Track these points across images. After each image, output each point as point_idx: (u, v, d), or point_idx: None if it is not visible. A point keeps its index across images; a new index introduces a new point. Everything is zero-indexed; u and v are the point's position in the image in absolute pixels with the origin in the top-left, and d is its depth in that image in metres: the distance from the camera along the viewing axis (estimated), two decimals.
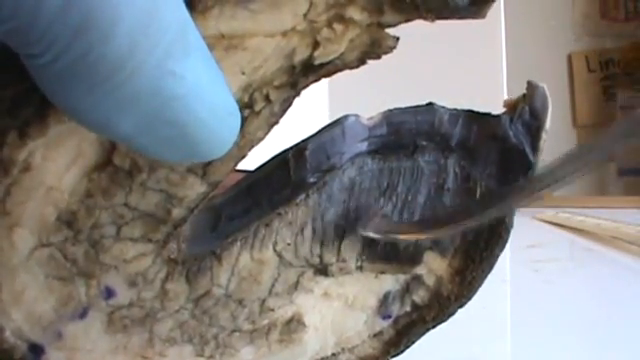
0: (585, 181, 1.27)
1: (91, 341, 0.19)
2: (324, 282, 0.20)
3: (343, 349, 0.21)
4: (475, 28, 0.78)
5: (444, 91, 0.77)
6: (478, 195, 0.20)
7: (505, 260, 0.56)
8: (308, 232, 0.20)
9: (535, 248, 0.59)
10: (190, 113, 0.14)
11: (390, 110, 0.21)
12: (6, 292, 0.18)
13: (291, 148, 0.20)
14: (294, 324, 0.20)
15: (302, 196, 0.19)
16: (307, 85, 0.18)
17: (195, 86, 0.14)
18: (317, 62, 0.16)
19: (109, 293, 0.19)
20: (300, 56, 0.16)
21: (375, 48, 0.17)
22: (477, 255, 0.20)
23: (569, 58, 1.21)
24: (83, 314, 0.19)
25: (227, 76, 0.15)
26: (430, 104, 0.21)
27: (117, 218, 0.18)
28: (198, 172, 0.18)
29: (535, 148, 0.20)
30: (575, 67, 1.21)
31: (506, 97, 0.79)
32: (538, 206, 0.78)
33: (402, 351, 0.21)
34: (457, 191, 0.20)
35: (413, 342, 0.21)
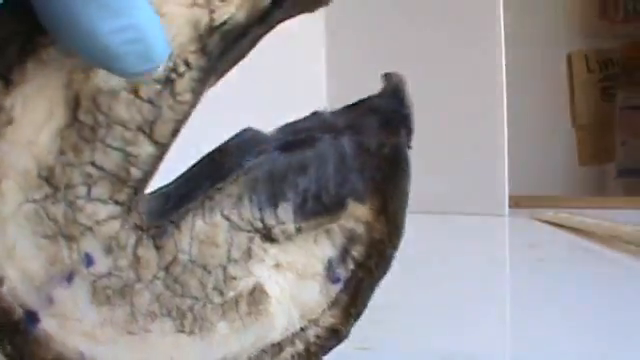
0: (585, 181, 1.27)
1: (80, 310, 0.20)
2: (272, 250, 0.22)
3: (309, 322, 0.23)
4: (474, 28, 0.78)
5: (444, 91, 0.77)
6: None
7: (505, 260, 0.56)
8: (246, 201, 0.22)
9: (535, 248, 0.59)
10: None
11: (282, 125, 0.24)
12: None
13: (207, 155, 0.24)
14: (257, 293, 0.22)
15: (234, 175, 0.22)
16: (220, 50, 0.20)
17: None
18: (215, 24, 0.19)
19: (89, 260, 0.20)
20: (203, 23, 0.20)
21: (255, 9, 0.20)
22: (389, 189, 0.23)
23: (568, 58, 1.21)
24: (70, 278, 0.20)
25: None
26: (314, 112, 0.24)
27: (86, 177, 0.20)
28: (146, 130, 0.20)
29: (405, 104, 0.23)
30: (574, 67, 1.21)
31: (505, 97, 0.79)
32: (538, 206, 0.78)
33: (361, 311, 0.23)
34: (355, 157, 0.23)
35: (369, 299, 0.23)
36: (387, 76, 0.24)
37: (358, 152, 0.23)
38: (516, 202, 0.76)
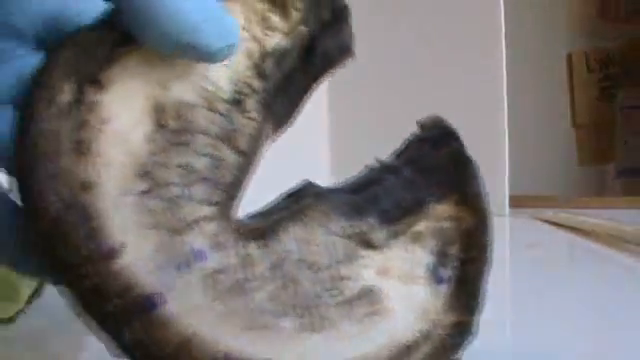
0: (585, 181, 1.27)
1: (199, 299, 0.20)
2: (373, 256, 0.23)
3: (431, 322, 0.23)
4: (475, 28, 0.78)
5: (444, 91, 0.77)
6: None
7: (505, 260, 0.56)
8: (333, 215, 0.23)
9: (535, 248, 0.59)
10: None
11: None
12: (114, 226, 0.19)
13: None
14: (371, 295, 0.22)
15: (313, 200, 0.23)
16: (278, 76, 0.23)
17: None
18: (266, 51, 0.23)
19: (200, 255, 0.20)
20: (256, 53, 0.23)
21: (297, 37, 0.24)
22: (461, 180, 0.24)
23: (568, 58, 1.21)
24: (184, 267, 0.20)
25: (219, 70, 0.22)
26: (366, 166, 0.26)
27: (182, 178, 0.21)
28: (225, 140, 0.22)
29: (448, 126, 0.25)
30: (574, 67, 1.21)
31: (506, 96, 0.79)
32: (538, 206, 0.78)
33: (481, 301, 0.24)
34: (420, 176, 0.25)
35: (483, 287, 0.24)
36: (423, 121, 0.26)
37: (421, 172, 0.25)
38: (516, 202, 0.76)
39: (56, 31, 0.22)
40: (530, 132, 1.10)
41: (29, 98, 0.20)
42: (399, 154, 0.26)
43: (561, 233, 0.65)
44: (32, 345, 0.34)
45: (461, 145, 0.25)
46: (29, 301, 0.37)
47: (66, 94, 0.20)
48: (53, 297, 0.40)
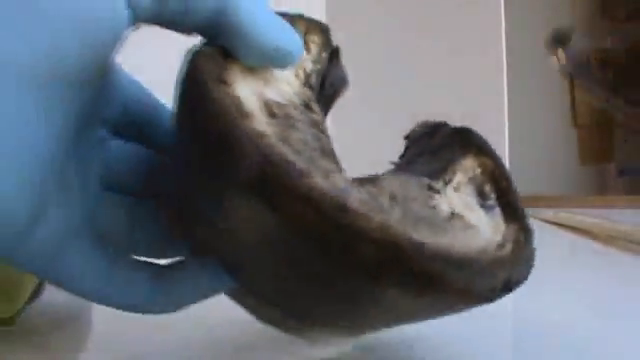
0: (585, 181, 1.27)
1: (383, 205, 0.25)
2: (440, 199, 0.28)
3: (503, 235, 0.28)
4: (475, 27, 0.78)
5: (444, 91, 0.77)
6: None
7: None
8: (407, 177, 0.28)
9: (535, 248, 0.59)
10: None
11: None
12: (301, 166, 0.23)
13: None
14: (458, 215, 0.27)
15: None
16: (318, 85, 0.30)
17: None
18: (307, 72, 0.29)
19: (347, 189, 0.24)
20: (301, 74, 0.29)
21: (322, 61, 0.31)
22: (472, 138, 0.31)
23: None
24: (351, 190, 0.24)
25: (286, 87, 0.28)
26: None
27: (305, 147, 0.25)
28: (313, 125, 0.27)
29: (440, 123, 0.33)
30: None
31: (506, 97, 0.79)
32: (538, 206, 0.78)
33: (524, 212, 0.30)
34: (437, 155, 0.31)
35: (520, 205, 0.30)
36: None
37: (433, 153, 0.31)
38: None
39: (130, 116, 0.28)
40: (530, 132, 1.10)
41: (192, 85, 0.25)
42: (403, 156, 0.31)
43: (561, 233, 0.65)
44: (32, 345, 0.34)
45: (451, 126, 0.31)
46: (29, 301, 0.37)
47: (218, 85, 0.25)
48: (53, 297, 0.40)
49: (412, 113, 0.30)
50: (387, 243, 0.23)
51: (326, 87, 0.31)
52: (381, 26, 0.79)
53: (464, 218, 0.27)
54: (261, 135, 0.23)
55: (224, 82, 0.25)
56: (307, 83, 0.29)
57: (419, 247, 0.23)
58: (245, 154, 0.23)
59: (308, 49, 0.30)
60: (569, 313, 0.38)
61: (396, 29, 0.78)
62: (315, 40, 0.30)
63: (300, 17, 0.30)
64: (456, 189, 0.29)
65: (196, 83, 0.25)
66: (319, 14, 0.87)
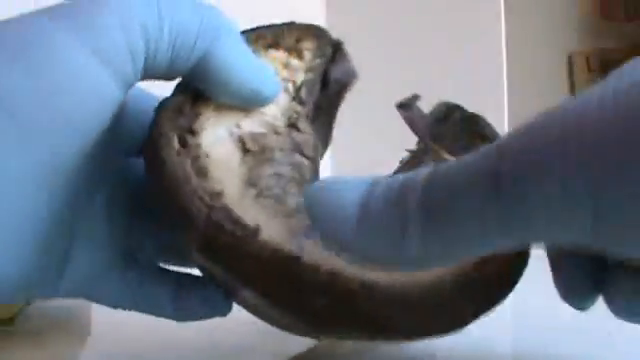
0: None
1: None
2: None
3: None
4: (475, 27, 0.78)
5: (444, 91, 0.76)
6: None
7: None
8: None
9: (535, 247, 0.59)
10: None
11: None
12: (248, 218, 0.25)
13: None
14: None
15: None
16: (312, 99, 0.31)
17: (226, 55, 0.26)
18: (297, 85, 0.30)
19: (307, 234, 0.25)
20: (290, 88, 0.30)
21: (316, 72, 0.31)
22: (479, 121, 0.35)
23: (569, 58, 1.21)
24: (306, 236, 0.25)
25: (271, 107, 0.29)
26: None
27: (277, 182, 0.27)
28: (296, 150, 0.29)
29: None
30: (576, 67, 1.21)
31: (506, 97, 0.79)
32: None
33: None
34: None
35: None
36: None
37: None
38: None
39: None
40: None
41: (151, 148, 0.26)
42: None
43: None
44: (32, 345, 0.34)
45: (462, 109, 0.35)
46: (29, 301, 0.37)
47: (176, 142, 0.26)
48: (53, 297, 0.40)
49: None
50: (338, 292, 0.23)
51: (330, 85, 0.31)
52: (381, 26, 0.79)
53: None
54: (214, 195, 0.25)
55: (192, 132, 0.26)
56: (297, 97, 0.30)
57: (370, 291, 0.23)
58: (191, 220, 0.24)
59: (301, 57, 0.30)
60: (569, 313, 0.37)
61: (396, 29, 0.78)
62: (308, 47, 0.31)
63: (292, 25, 0.30)
64: None
65: (153, 144, 0.26)
66: (319, 13, 0.87)
